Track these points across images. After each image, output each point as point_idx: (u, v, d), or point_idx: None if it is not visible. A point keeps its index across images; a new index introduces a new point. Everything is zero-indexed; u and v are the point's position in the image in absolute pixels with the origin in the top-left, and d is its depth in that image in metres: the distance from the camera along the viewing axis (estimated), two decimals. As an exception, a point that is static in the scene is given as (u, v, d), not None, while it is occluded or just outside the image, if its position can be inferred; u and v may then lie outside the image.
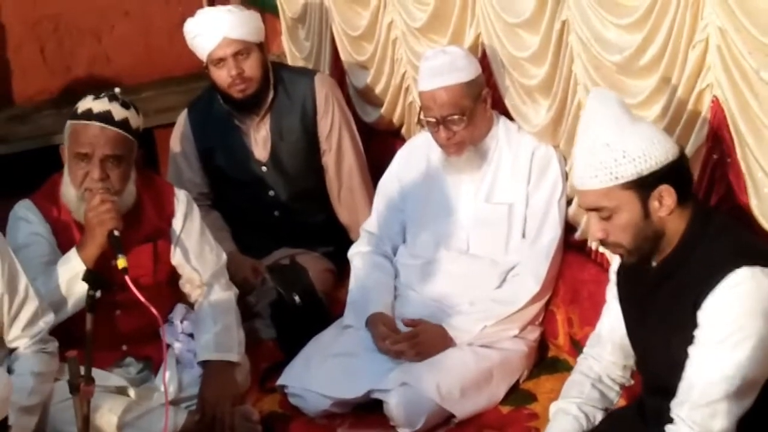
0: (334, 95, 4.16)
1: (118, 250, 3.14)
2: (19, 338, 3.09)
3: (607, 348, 2.82)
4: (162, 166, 4.82)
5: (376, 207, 3.81)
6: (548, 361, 3.55)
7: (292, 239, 4.13)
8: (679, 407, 2.46)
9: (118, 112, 3.28)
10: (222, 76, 3.97)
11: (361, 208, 4.10)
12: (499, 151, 3.55)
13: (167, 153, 4.28)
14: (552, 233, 3.47)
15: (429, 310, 3.52)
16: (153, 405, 3.29)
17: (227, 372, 3.42)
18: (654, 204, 2.51)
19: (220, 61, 3.95)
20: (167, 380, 3.25)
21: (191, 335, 3.49)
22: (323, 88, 4.13)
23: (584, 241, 3.44)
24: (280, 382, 3.50)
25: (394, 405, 3.26)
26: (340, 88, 4.33)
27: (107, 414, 3.20)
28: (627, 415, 2.79)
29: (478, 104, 3.47)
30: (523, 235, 3.51)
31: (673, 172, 2.51)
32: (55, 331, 3.18)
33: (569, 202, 3.47)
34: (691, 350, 2.46)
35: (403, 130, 4.29)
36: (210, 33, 3.93)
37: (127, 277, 3.07)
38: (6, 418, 2.50)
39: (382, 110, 4.31)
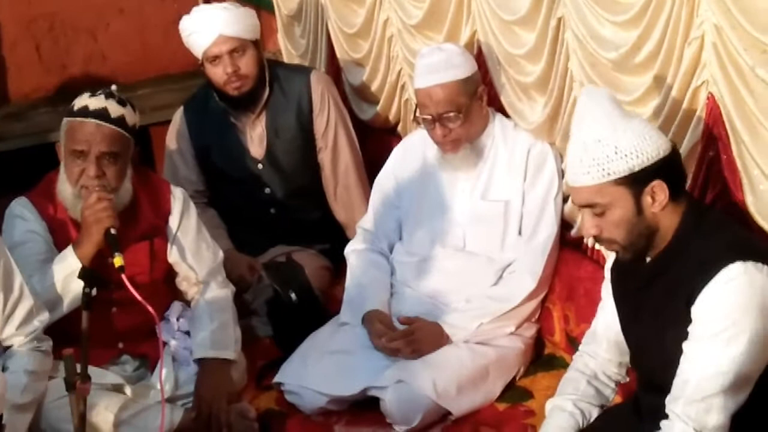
0: (330, 93, 4.15)
1: (115, 248, 3.14)
2: (13, 336, 3.09)
3: (603, 345, 2.83)
4: (158, 164, 4.81)
5: (372, 204, 3.80)
6: (544, 358, 3.55)
7: (288, 237, 4.13)
8: (673, 403, 2.46)
9: (115, 109, 3.27)
10: (218, 73, 3.97)
11: (357, 206, 4.10)
12: (495, 148, 3.54)
13: (163, 150, 4.27)
14: (548, 230, 3.47)
15: (425, 308, 3.52)
16: (149, 402, 3.29)
17: (223, 370, 3.41)
18: (647, 200, 2.51)
19: (215, 58, 3.95)
20: (163, 378, 3.24)
21: (188, 333, 3.48)
22: (319, 86, 4.12)
23: (580, 238, 3.43)
24: (276, 379, 3.50)
25: (390, 402, 3.26)
26: (336, 85, 4.32)
27: (104, 412, 3.19)
28: (622, 412, 2.79)
29: (474, 101, 3.47)
30: (520, 233, 3.51)
31: (666, 168, 2.51)
32: (52, 329, 3.18)
33: (565, 200, 3.46)
34: (686, 346, 2.46)
35: (399, 128, 4.29)
36: (205, 30, 3.93)
37: (123, 275, 3.06)
38: (0, 416, 2.50)
39: (378, 108, 4.31)
